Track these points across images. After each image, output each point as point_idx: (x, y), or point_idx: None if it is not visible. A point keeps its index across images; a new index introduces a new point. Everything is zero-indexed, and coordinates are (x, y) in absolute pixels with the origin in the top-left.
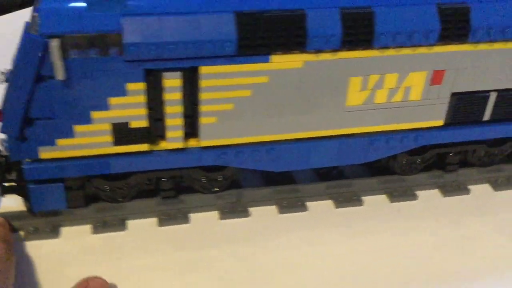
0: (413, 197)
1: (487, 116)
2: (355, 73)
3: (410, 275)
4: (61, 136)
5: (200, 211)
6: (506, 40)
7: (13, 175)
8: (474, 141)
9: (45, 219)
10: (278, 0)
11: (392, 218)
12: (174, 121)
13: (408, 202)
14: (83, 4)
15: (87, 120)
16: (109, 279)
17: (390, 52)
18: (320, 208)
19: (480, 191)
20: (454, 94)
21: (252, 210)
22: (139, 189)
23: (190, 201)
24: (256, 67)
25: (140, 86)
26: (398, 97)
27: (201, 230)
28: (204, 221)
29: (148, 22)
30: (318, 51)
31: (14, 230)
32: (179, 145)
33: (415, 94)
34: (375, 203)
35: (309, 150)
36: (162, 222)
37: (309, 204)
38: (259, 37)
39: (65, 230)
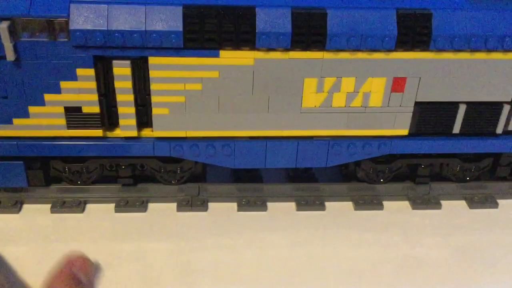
0: (380, 206)
1: (456, 129)
2: (309, 74)
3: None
4: (17, 116)
5: (159, 201)
6: (472, 50)
7: None
8: (446, 155)
9: (8, 194)
10: None
11: (350, 226)
12: (126, 109)
13: (373, 212)
14: None
15: (41, 102)
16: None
17: (345, 55)
18: (281, 209)
19: (453, 207)
20: (418, 104)
21: (211, 205)
22: (100, 174)
23: (150, 190)
24: (206, 61)
25: (90, 72)
26: (357, 102)
27: (155, 221)
28: (161, 212)
29: (96, 9)
30: (269, 49)
31: None
32: (132, 133)
33: (376, 101)
34: (338, 210)
35: (266, 150)
36: (119, 208)
37: (270, 204)
38: (207, 31)
39: (26, 207)
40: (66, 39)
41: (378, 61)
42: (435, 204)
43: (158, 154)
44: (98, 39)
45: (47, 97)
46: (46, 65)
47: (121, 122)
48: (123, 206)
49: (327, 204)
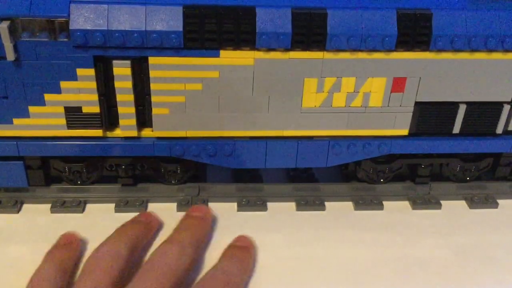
0: (380, 206)
1: (456, 129)
2: (309, 74)
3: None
4: (17, 116)
5: (159, 201)
6: (472, 50)
7: None
8: (447, 155)
9: (8, 193)
10: None
11: (350, 226)
12: (126, 109)
13: (373, 212)
14: None
15: (41, 102)
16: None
17: (345, 55)
18: (281, 209)
19: (454, 207)
20: (418, 104)
21: (212, 205)
22: (100, 174)
23: (150, 190)
24: (206, 61)
25: (90, 72)
26: (357, 102)
27: None
28: (161, 212)
29: (97, 9)
30: (269, 49)
31: None
32: (132, 133)
33: (376, 101)
34: (338, 209)
35: (266, 150)
36: (119, 208)
37: (270, 204)
38: (207, 31)
39: (26, 207)
40: (66, 39)
41: (378, 61)
42: (435, 204)
43: (158, 154)
44: (98, 39)
45: (47, 97)
46: (46, 65)
47: (121, 122)
48: (123, 206)
49: (327, 204)
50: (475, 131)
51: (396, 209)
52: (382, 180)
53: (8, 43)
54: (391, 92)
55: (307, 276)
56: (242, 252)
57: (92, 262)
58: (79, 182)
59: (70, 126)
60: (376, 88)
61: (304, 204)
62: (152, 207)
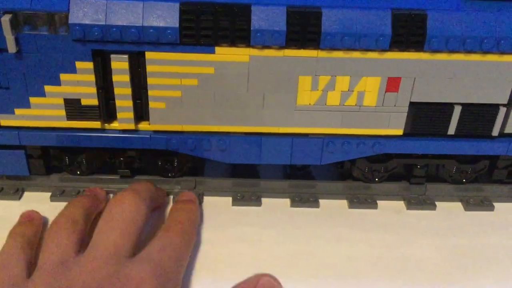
0: (374, 205)
1: (452, 130)
2: (304, 72)
3: None
4: (18, 106)
5: None
6: (467, 51)
7: None
8: (442, 156)
9: (10, 181)
10: None
11: (343, 224)
12: (124, 102)
13: (368, 210)
14: None
15: (41, 93)
16: None
17: (339, 54)
18: (276, 205)
19: (449, 209)
20: (413, 104)
21: (207, 199)
22: (99, 165)
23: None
24: (201, 57)
25: (89, 65)
26: (351, 101)
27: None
28: None
29: (95, 4)
30: (264, 46)
31: None
32: (130, 126)
33: (370, 100)
34: (333, 207)
35: (261, 146)
36: None
37: (264, 200)
38: (203, 28)
39: (26, 195)
40: (66, 33)
41: (372, 61)
42: (430, 205)
43: (155, 147)
44: (96, 33)
45: (48, 88)
46: (47, 57)
47: (119, 115)
48: None
49: (321, 201)
50: (470, 133)
51: (391, 209)
52: (377, 179)
53: (9, 35)
54: (385, 92)
55: (292, 273)
56: (188, 204)
57: (53, 229)
58: (78, 173)
59: (69, 117)
60: (371, 88)
61: (298, 200)
62: None
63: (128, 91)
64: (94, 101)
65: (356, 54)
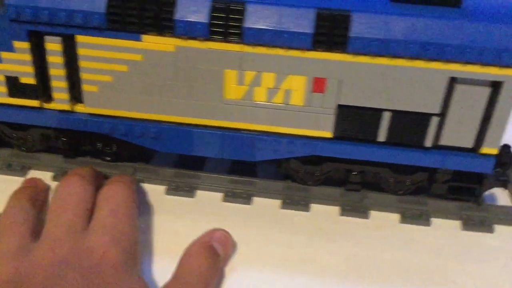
0: (306, 208)
1: (381, 137)
2: (229, 66)
3: None
4: None
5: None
6: (392, 56)
7: None
8: (377, 163)
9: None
10: None
11: (267, 224)
12: (59, 83)
13: (299, 212)
14: None
15: None
16: None
17: (263, 50)
18: (208, 199)
19: (383, 219)
20: (341, 106)
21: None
22: (46, 143)
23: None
24: (129, 44)
25: (25, 45)
26: (278, 98)
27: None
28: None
29: None
30: (188, 37)
31: None
32: (66, 107)
33: (297, 99)
34: (265, 207)
35: (192, 136)
36: (56, 178)
37: (199, 192)
38: (129, 15)
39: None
40: (3, 13)
41: (296, 59)
42: (362, 213)
43: (90, 129)
44: (29, 15)
45: None
46: None
47: (55, 95)
48: (61, 176)
49: (255, 199)
50: (402, 142)
51: (324, 213)
52: (310, 182)
53: None
54: (312, 92)
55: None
56: (121, 179)
57: (4, 222)
58: (23, 149)
59: (10, 94)
60: (296, 86)
61: (230, 196)
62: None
63: (62, 72)
64: (32, 80)
65: (280, 51)
